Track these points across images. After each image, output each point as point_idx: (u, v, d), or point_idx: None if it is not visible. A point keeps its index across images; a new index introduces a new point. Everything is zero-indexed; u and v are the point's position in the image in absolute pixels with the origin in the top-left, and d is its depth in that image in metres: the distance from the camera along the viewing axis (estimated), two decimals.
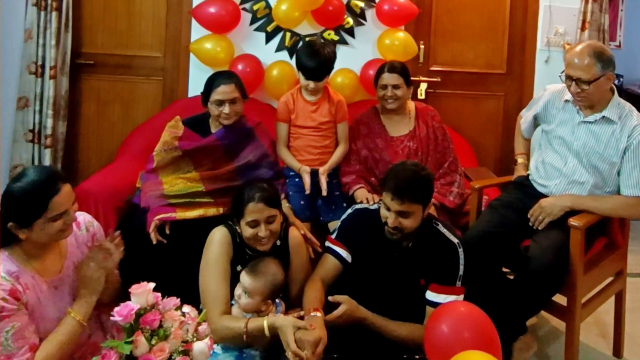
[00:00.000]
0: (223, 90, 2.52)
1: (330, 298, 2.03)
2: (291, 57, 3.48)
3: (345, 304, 2.00)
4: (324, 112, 2.72)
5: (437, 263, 2.07)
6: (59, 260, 1.79)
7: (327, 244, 2.23)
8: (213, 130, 2.64)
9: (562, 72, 2.31)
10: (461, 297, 2.06)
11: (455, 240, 2.09)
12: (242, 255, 2.10)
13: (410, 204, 1.99)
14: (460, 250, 2.07)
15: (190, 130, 2.61)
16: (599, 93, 2.24)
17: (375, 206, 2.19)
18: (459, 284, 2.06)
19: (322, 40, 3.45)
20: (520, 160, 2.69)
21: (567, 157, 2.39)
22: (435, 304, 2.02)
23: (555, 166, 2.42)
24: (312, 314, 1.94)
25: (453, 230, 2.16)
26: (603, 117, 2.30)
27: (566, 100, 2.42)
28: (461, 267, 2.06)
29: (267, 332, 1.87)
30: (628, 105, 2.35)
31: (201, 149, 2.56)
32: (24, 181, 1.65)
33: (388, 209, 2.02)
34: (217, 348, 1.97)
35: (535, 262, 2.19)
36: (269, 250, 2.09)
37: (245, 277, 1.99)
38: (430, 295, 2.06)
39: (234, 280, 2.05)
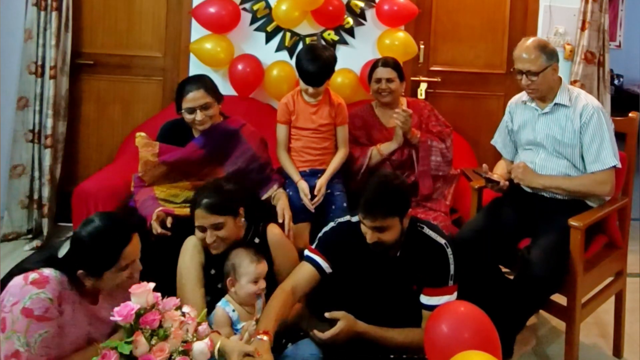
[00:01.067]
0: (192, 97, 2.42)
1: (327, 314, 2.00)
2: (291, 57, 3.48)
3: (343, 320, 1.98)
4: (324, 115, 2.72)
5: (427, 267, 2.05)
6: (97, 293, 1.77)
7: (307, 252, 2.17)
8: (196, 133, 2.54)
9: (513, 68, 2.46)
10: (454, 295, 2.06)
11: (443, 241, 2.07)
12: (216, 258, 2.09)
13: (383, 219, 1.96)
14: (449, 250, 2.06)
15: (165, 143, 2.50)
16: (546, 83, 2.39)
17: (356, 218, 2.08)
18: (451, 283, 2.05)
19: (323, 43, 3.46)
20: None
21: (538, 150, 2.48)
22: (430, 307, 2.02)
23: (530, 161, 2.48)
24: (258, 337, 1.84)
25: (439, 231, 2.15)
26: (555, 104, 2.42)
27: (523, 101, 2.54)
28: (452, 267, 2.05)
29: (216, 354, 1.78)
30: (576, 90, 2.47)
31: (185, 160, 2.46)
32: (96, 229, 1.65)
33: (365, 226, 2.01)
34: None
35: (537, 267, 2.19)
36: (220, 253, 2.08)
37: (253, 267, 2.00)
38: (425, 299, 2.06)
39: (209, 285, 2.06)
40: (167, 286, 1.73)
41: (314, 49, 2.69)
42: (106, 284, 1.66)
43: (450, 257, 2.06)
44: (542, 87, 2.39)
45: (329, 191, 2.70)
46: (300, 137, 2.71)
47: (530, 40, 2.41)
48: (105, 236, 1.65)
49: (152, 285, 1.55)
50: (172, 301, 1.57)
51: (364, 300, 2.10)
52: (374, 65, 2.90)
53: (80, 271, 1.63)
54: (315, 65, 2.58)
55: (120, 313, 1.47)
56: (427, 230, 2.10)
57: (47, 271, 1.62)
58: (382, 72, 2.84)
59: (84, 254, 1.64)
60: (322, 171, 2.71)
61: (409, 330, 2.04)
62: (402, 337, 2.03)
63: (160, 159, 2.45)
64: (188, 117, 2.46)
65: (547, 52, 2.36)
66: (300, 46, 3.49)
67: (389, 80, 2.83)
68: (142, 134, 2.50)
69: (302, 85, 2.66)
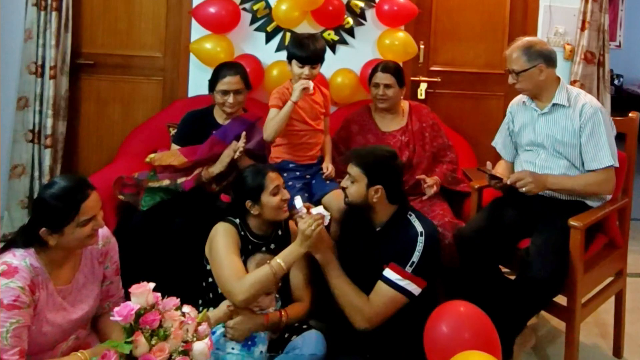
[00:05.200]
0: (228, 81, 2.65)
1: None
2: None
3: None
4: (319, 99, 2.79)
5: (395, 244, 2.10)
6: (71, 271, 1.82)
7: None
8: (219, 119, 2.75)
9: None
10: (416, 287, 2.05)
11: (420, 229, 2.10)
12: (246, 247, 2.16)
13: (353, 167, 2.15)
14: (421, 238, 2.08)
15: (188, 131, 2.73)
16: (532, 83, 2.42)
17: None
18: (409, 269, 2.05)
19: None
20: None
21: (538, 151, 2.49)
22: (386, 280, 2.05)
23: (530, 162, 2.50)
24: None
25: (427, 222, 2.18)
26: (554, 104, 2.43)
27: (523, 102, 2.56)
28: (416, 254, 2.06)
29: (283, 264, 1.99)
30: (576, 90, 2.48)
31: (212, 156, 2.61)
32: (56, 188, 1.72)
33: None
34: (221, 339, 2.00)
35: (537, 269, 2.20)
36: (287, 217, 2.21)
37: (252, 266, 2.07)
38: (385, 271, 2.08)
39: None
40: (168, 286, 1.72)
41: (302, 34, 2.80)
42: (68, 240, 1.72)
43: (419, 245, 2.08)
44: (527, 86, 2.43)
45: (323, 173, 2.76)
46: (295, 132, 2.71)
47: (519, 40, 2.46)
48: (64, 192, 1.71)
49: (152, 285, 1.55)
50: (172, 301, 1.57)
51: (347, 269, 2.16)
52: (374, 69, 2.89)
53: (42, 229, 1.69)
54: (309, 42, 2.64)
55: (120, 313, 1.47)
56: (412, 218, 2.15)
57: (16, 261, 1.66)
58: (381, 78, 2.82)
59: (45, 211, 1.70)
60: (312, 165, 2.77)
61: (352, 292, 2.10)
62: (341, 291, 2.11)
63: (190, 160, 2.60)
64: (220, 98, 2.67)
65: (532, 52, 2.39)
66: None
67: (386, 86, 2.81)
68: (152, 155, 2.67)
69: (296, 70, 2.64)
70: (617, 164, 2.37)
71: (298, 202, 2.14)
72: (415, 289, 2.06)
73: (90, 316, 1.87)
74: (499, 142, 2.70)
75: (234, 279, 1.98)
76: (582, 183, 2.38)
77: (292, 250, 2.02)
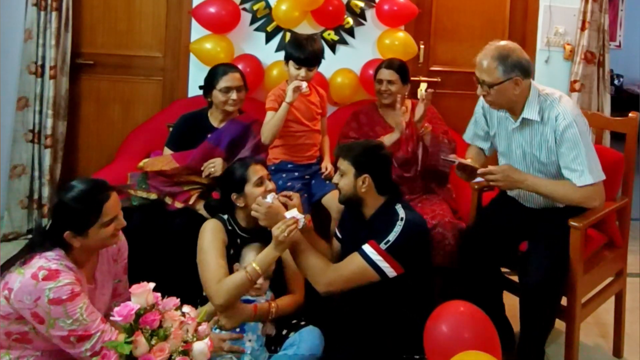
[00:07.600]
0: (231, 77, 2.62)
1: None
2: None
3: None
4: (315, 99, 2.81)
5: (377, 227, 2.11)
6: (91, 271, 1.84)
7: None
8: (214, 122, 2.68)
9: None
10: (389, 268, 2.03)
11: (402, 215, 2.10)
12: (234, 241, 2.16)
13: (342, 161, 2.18)
14: (401, 222, 2.08)
15: (183, 133, 2.67)
16: (504, 97, 2.14)
17: None
18: (383, 246, 2.04)
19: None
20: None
21: (513, 165, 2.30)
22: (361, 252, 2.05)
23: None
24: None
25: (412, 211, 2.18)
26: (523, 119, 2.20)
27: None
28: (392, 234, 2.05)
29: (258, 269, 1.96)
30: (551, 97, 2.19)
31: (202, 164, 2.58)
32: (76, 191, 1.73)
33: None
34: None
35: (533, 275, 2.17)
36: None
37: (252, 254, 2.08)
38: (364, 246, 2.07)
39: (228, 264, 2.09)
40: (168, 286, 1.72)
41: (300, 35, 2.82)
42: (93, 241, 1.74)
43: (397, 226, 2.08)
44: (499, 100, 2.16)
45: (322, 172, 2.80)
46: (292, 134, 2.74)
47: (493, 46, 2.14)
48: (85, 194, 1.72)
49: (152, 285, 1.55)
50: (172, 301, 1.58)
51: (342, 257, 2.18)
52: (380, 65, 2.94)
53: (66, 233, 1.70)
54: (308, 43, 2.65)
55: (120, 313, 1.48)
56: (398, 207, 2.15)
57: (53, 265, 1.66)
58: (384, 74, 2.88)
59: (68, 214, 1.71)
60: (310, 165, 2.80)
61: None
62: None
63: (182, 165, 2.54)
64: (223, 96, 2.61)
65: (508, 63, 2.09)
66: None
67: (390, 82, 2.86)
68: (146, 160, 2.60)
69: (292, 71, 2.67)
70: (600, 178, 2.16)
71: (269, 197, 2.11)
72: (387, 268, 2.03)
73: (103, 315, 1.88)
74: (469, 136, 2.54)
75: (213, 283, 1.98)
76: (561, 193, 2.17)
77: (267, 254, 2.00)
